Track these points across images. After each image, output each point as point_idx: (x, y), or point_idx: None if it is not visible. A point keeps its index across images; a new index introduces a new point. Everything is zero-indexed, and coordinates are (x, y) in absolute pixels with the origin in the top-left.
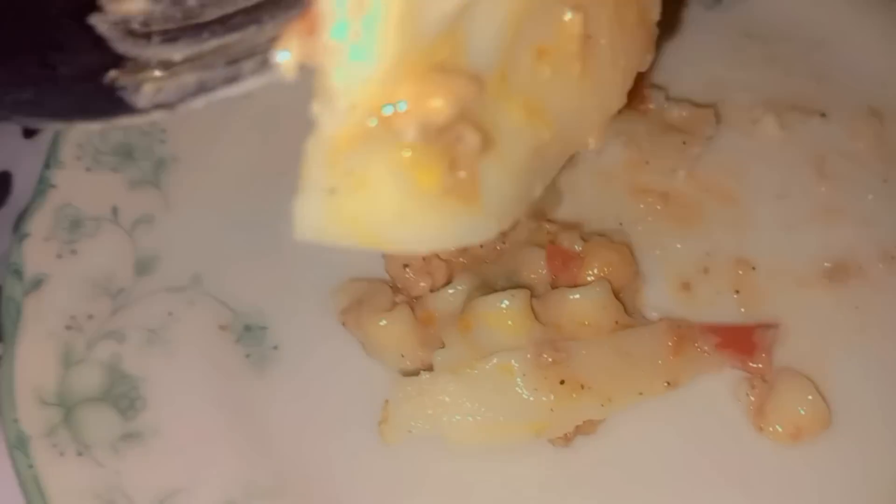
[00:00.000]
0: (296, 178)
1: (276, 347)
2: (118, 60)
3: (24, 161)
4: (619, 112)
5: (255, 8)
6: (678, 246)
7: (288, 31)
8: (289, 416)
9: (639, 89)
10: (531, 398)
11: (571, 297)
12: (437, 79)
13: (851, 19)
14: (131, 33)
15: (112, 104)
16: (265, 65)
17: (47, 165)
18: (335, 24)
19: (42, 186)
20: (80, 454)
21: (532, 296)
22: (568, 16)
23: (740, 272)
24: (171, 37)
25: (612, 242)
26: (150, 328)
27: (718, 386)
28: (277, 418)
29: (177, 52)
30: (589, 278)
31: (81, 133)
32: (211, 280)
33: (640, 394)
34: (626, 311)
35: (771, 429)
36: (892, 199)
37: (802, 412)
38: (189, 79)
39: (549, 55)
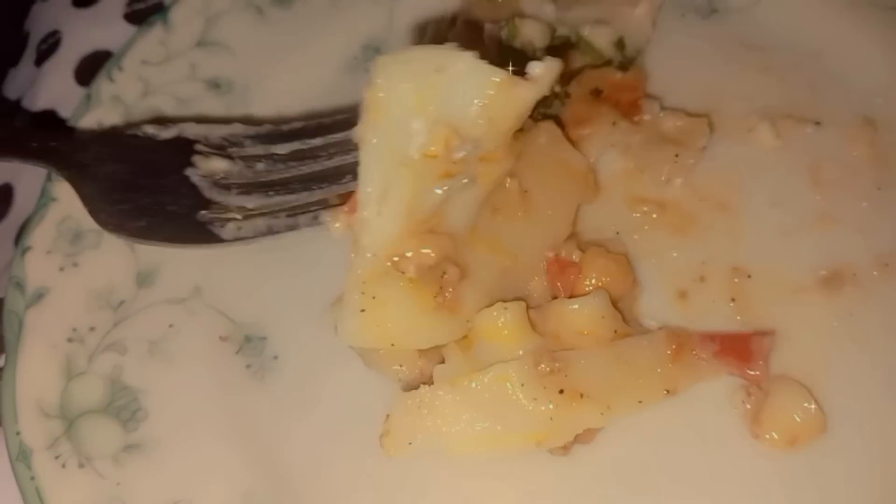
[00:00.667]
0: None
1: (276, 358)
2: (208, 203)
3: (25, 174)
4: (614, 124)
5: (308, 178)
6: (674, 255)
7: (337, 210)
8: (289, 427)
9: (634, 101)
10: (531, 408)
11: (570, 307)
12: (428, 238)
13: (846, 29)
14: (216, 184)
15: (204, 234)
16: (316, 220)
17: (49, 178)
18: (366, 208)
19: (44, 199)
20: (81, 466)
21: (530, 307)
22: (507, 182)
23: (736, 280)
24: (245, 190)
25: (609, 252)
26: (151, 340)
27: (715, 393)
28: (278, 429)
29: (249, 202)
30: (587, 287)
31: None
32: (211, 291)
33: (640, 402)
34: (624, 320)
35: (767, 436)
36: (886, 206)
37: (798, 419)
38: (260, 223)
39: (501, 210)
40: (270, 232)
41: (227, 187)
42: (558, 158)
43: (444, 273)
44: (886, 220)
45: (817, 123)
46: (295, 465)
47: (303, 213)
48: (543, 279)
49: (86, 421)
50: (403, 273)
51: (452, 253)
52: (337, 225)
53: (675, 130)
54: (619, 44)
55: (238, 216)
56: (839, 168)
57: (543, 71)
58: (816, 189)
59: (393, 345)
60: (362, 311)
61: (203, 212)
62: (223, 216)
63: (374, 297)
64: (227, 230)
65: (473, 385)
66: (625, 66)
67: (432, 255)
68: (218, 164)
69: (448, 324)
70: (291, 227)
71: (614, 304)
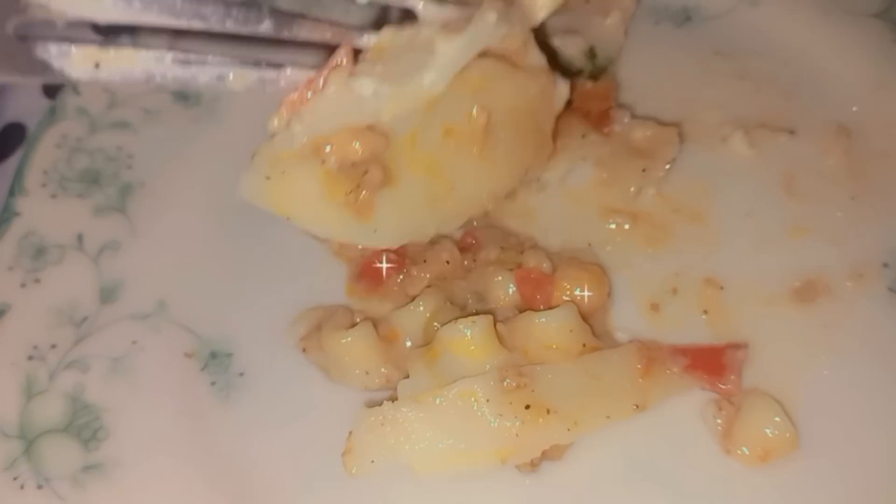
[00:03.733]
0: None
1: (241, 375)
2: (25, 6)
3: None
4: (584, 136)
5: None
6: (647, 266)
7: (287, 100)
8: (254, 445)
9: (604, 111)
10: (496, 424)
11: (537, 320)
12: (362, 132)
13: (820, 37)
14: None
15: (24, 60)
16: (221, 80)
17: (11, 193)
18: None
19: (6, 215)
20: (40, 487)
21: (498, 320)
22: (475, 110)
23: (709, 292)
24: None
25: (583, 262)
26: (114, 357)
27: (686, 408)
28: (242, 447)
29: (113, 11)
30: (565, 298)
31: (47, 159)
32: (176, 306)
33: (608, 417)
34: (594, 333)
35: (739, 451)
36: (860, 216)
37: (770, 434)
38: (133, 60)
39: (454, 134)
40: (149, 80)
41: None
42: (535, 113)
43: (367, 172)
44: (861, 231)
45: (791, 132)
46: (259, 485)
47: (202, 62)
48: (510, 291)
49: (45, 441)
50: (324, 163)
51: (383, 155)
52: (277, 118)
53: (644, 141)
54: (591, 53)
55: (91, 38)
56: (813, 178)
57: None
58: (790, 199)
59: (289, 218)
60: (267, 177)
61: (18, 20)
62: (61, 34)
63: (284, 171)
64: (75, 62)
65: (438, 401)
66: (596, 75)
67: (359, 150)
68: None
69: (351, 224)
70: (183, 83)
71: (587, 317)
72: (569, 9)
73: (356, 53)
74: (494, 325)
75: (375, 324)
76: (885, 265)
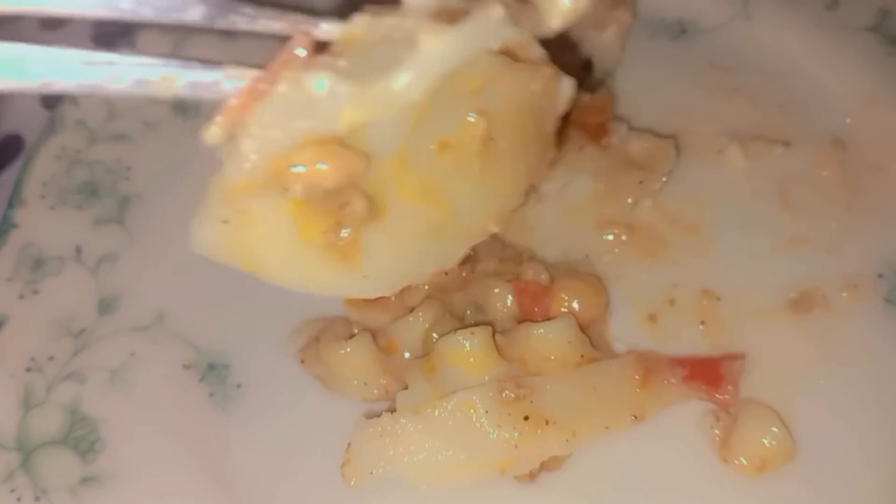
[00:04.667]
0: None
1: (239, 386)
2: None
3: None
4: (581, 148)
5: None
6: (644, 277)
7: (226, 106)
8: (252, 457)
9: (602, 123)
10: (494, 435)
11: (536, 331)
12: (333, 150)
13: (815, 50)
14: None
15: None
16: (139, 84)
17: (10, 205)
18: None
19: (5, 226)
20: (37, 499)
21: (497, 331)
22: (473, 117)
23: (705, 303)
24: None
25: (581, 273)
26: (112, 369)
27: (684, 418)
28: (240, 459)
29: None
30: (563, 310)
31: (46, 171)
32: (174, 318)
33: (607, 428)
34: (592, 344)
35: (736, 461)
36: (855, 228)
37: (767, 443)
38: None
39: (451, 149)
40: (46, 87)
41: None
42: (538, 114)
43: (347, 204)
44: (855, 242)
45: (787, 144)
46: (258, 496)
47: (111, 62)
48: (508, 302)
49: (43, 452)
50: (287, 191)
51: (364, 180)
52: (215, 129)
53: (641, 153)
54: (588, 66)
55: None
56: (808, 189)
57: None
58: (786, 210)
59: (255, 271)
60: (224, 222)
61: None
62: None
63: (243, 211)
64: None
65: (436, 413)
66: (593, 88)
67: (332, 174)
68: None
69: (335, 271)
70: (90, 85)
71: (585, 328)
72: None
73: (321, 47)
74: (493, 337)
75: (374, 335)
76: (881, 276)
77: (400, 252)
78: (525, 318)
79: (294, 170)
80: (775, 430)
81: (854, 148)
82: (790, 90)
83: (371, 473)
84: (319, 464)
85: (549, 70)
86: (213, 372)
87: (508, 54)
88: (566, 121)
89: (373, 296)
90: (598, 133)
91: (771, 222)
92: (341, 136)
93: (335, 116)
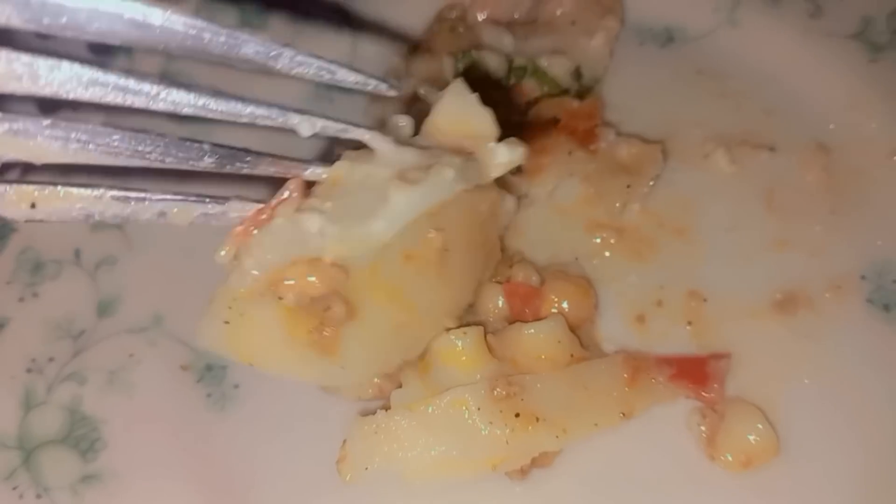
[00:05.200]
0: None
1: (237, 387)
2: None
3: None
4: (570, 153)
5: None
6: (632, 279)
7: (232, 233)
8: (249, 456)
9: (590, 129)
10: (486, 432)
11: (526, 331)
12: (319, 266)
13: (800, 56)
14: None
15: None
16: (163, 215)
17: None
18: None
19: (4, 230)
20: (39, 497)
21: (488, 331)
22: (431, 234)
23: (692, 304)
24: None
25: (570, 275)
26: (111, 370)
27: (671, 416)
28: (238, 458)
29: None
30: (553, 310)
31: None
32: (172, 320)
33: (596, 425)
34: (581, 344)
35: (722, 457)
36: (839, 230)
37: (752, 440)
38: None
39: (414, 259)
40: (88, 218)
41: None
42: (485, 227)
43: (329, 308)
44: (839, 244)
45: (772, 149)
46: (255, 494)
47: (141, 199)
48: (500, 304)
49: (44, 451)
50: (281, 299)
51: (343, 288)
52: (224, 251)
53: (629, 158)
54: (577, 73)
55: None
56: (793, 193)
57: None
58: (771, 214)
59: (251, 364)
60: (226, 322)
61: None
62: None
63: (241, 314)
64: (10, 202)
65: (430, 410)
66: (582, 94)
67: (318, 285)
68: None
69: (317, 364)
70: (122, 219)
71: (575, 329)
72: (555, 30)
73: (308, 186)
74: (485, 337)
75: None
76: (863, 277)
77: (372, 347)
78: (516, 318)
79: (287, 282)
80: (760, 427)
81: (838, 152)
82: (775, 96)
83: (366, 469)
84: (316, 462)
85: (494, 193)
86: (210, 373)
87: None
88: (556, 126)
89: (348, 384)
90: (586, 138)
91: (757, 225)
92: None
93: (323, 249)
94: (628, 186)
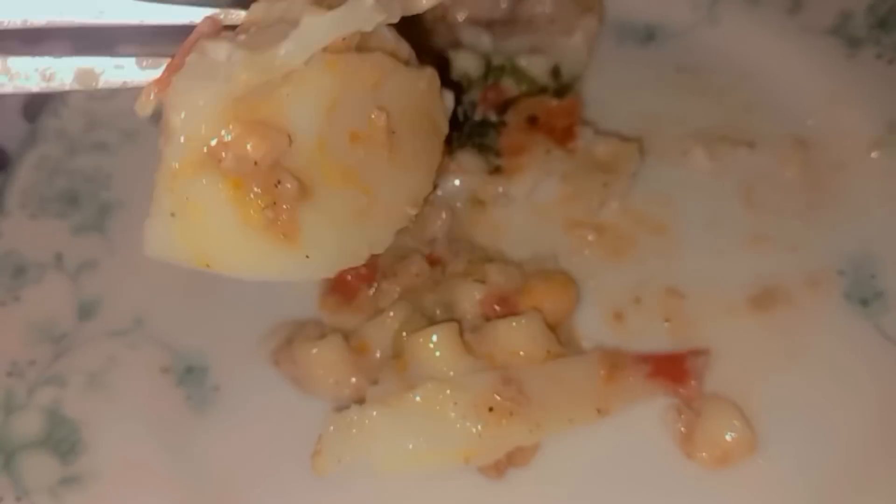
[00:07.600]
0: None
1: (216, 388)
2: None
3: None
4: (548, 152)
5: None
6: (611, 277)
7: (151, 83)
8: (229, 458)
9: (569, 127)
10: (458, 425)
11: (503, 328)
12: (255, 126)
13: (779, 53)
14: None
15: None
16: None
17: None
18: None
19: None
20: (18, 499)
21: (466, 329)
22: (374, 113)
23: (670, 301)
24: None
25: (549, 273)
26: (92, 373)
27: (649, 413)
28: (217, 459)
29: None
30: (531, 308)
31: (27, 180)
32: (153, 323)
33: (570, 420)
34: (559, 341)
35: (700, 454)
36: (817, 225)
37: (729, 438)
38: None
39: (361, 140)
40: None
41: None
42: (429, 111)
43: (280, 183)
44: (817, 240)
45: (750, 145)
46: (234, 495)
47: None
48: (477, 301)
49: (24, 454)
50: (220, 161)
51: (288, 160)
52: (144, 97)
53: (607, 156)
54: (555, 71)
55: None
56: (772, 189)
57: None
58: (749, 210)
59: (208, 266)
60: (172, 214)
61: None
62: None
63: (187, 199)
64: None
65: (403, 403)
66: (561, 93)
67: (257, 146)
68: None
69: (279, 251)
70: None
71: (553, 326)
72: (534, 29)
73: (225, 29)
74: (461, 333)
75: (346, 336)
76: (841, 272)
77: (335, 233)
78: (494, 316)
79: (223, 140)
80: (737, 424)
81: (816, 148)
82: (754, 92)
83: (339, 462)
84: (294, 462)
85: (430, 70)
86: (190, 375)
87: (396, 56)
88: (534, 125)
89: (317, 277)
90: (565, 137)
91: (735, 221)
92: (262, 118)
93: (233, 78)
94: (605, 184)
